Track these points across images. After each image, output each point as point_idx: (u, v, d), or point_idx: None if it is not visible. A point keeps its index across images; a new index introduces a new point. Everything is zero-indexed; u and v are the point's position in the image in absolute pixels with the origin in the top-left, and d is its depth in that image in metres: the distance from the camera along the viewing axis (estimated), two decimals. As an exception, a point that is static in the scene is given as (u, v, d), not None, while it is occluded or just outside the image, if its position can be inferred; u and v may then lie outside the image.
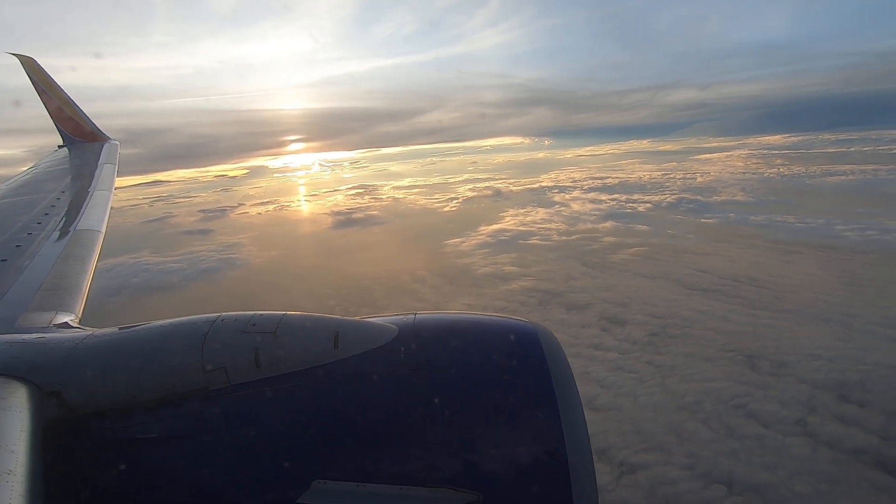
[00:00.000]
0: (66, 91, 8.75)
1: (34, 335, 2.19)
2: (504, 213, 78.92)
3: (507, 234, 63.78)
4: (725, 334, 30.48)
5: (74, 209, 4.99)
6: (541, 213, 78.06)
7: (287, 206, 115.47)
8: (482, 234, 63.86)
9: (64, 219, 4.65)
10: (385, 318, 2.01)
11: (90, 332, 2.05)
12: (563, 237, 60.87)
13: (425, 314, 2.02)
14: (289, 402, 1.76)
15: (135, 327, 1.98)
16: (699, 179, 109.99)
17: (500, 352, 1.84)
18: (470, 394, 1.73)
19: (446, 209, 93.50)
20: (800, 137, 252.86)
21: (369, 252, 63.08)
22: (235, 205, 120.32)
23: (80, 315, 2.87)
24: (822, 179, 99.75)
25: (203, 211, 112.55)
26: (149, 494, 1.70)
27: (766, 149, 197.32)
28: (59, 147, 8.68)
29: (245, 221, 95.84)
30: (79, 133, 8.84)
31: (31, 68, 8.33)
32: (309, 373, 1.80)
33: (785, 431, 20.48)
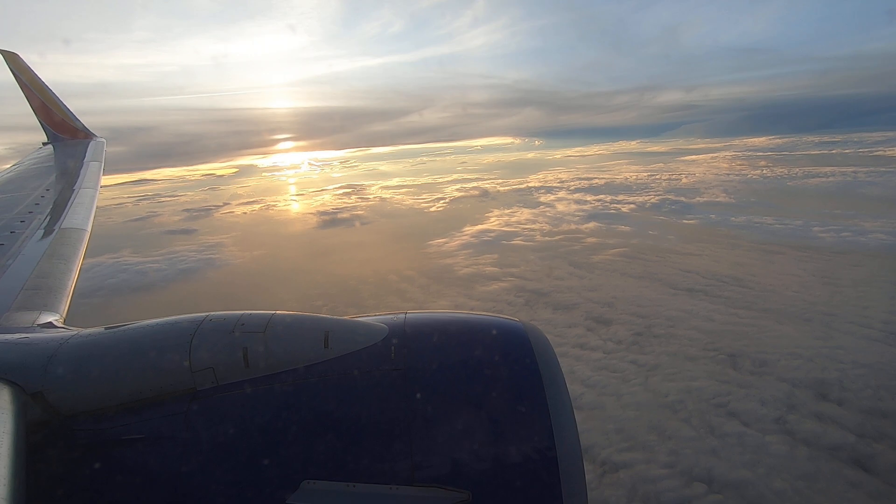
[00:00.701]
0: (50, 87, 8.61)
1: (17, 335, 2.17)
2: (489, 214, 79.35)
3: (491, 234, 64.11)
4: (708, 333, 30.91)
5: (59, 207, 4.95)
6: (525, 213, 78.56)
7: (273, 205, 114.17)
8: (466, 235, 64.14)
9: (49, 217, 4.61)
10: (375, 317, 2.03)
11: (75, 332, 2.03)
12: (546, 238, 61.29)
13: (415, 313, 2.04)
14: (278, 402, 1.75)
15: (121, 327, 1.96)
16: (684, 181, 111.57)
17: (489, 350, 1.86)
18: (460, 393, 1.74)
19: (433, 209, 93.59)
20: (784, 139, 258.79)
21: (352, 252, 62.87)
22: (220, 204, 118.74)
23: (64, 315, 2.85)
24: (804, 181, 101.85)
25: (187, 210, 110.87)
26: (136, 496, 1.68)
27: (751, 150, 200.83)
28: (44, 144, 8.56)
29: (229, 221, 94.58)
30: (64, 130, 8.73)
31: (15, 64, 8.22)
32: (298, 372, 1.80)
33: (764, 430, 20.80)
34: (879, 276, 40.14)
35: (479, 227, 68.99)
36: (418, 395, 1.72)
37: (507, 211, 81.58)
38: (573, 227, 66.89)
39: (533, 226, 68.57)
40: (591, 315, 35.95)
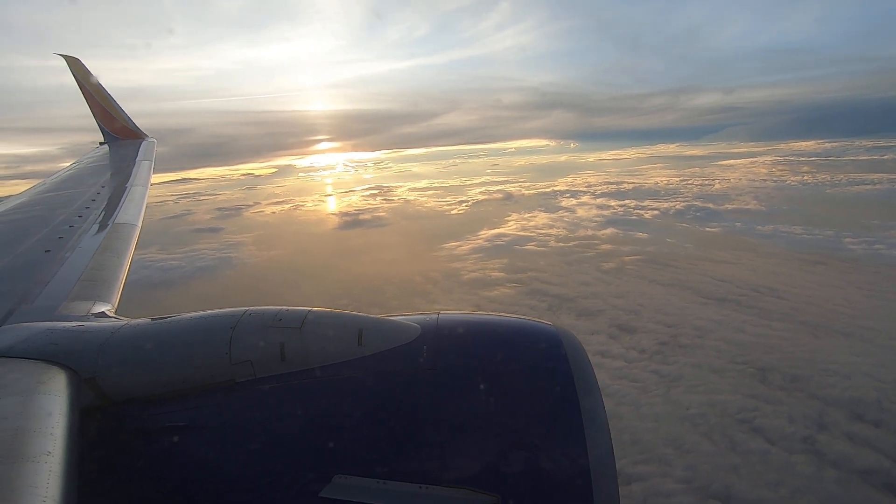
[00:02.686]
0: (108, 91, 9.35)
1: (73, 323, 2.34)
2: (509, 218, 79.64)
3: (506, 238, 64.32)
4: (738, 345, 30.09)
5: (113, 203, 5.33)
6: (544, 218, 78.45)
7: (301, 205, 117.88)
8: (481, 239, 64.60)
9: (103, 212, 4.97)
10: (408, 316, 2.06)
11: (125, 322, 2.17)
12: (560, 243, 61.03)
13: (448, 314, 2.06)
14: (312, 397, 1.82)
15: (167, 319, 2.08)
16: (717, 186, 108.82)
17: (522, 354, 1.88)
18: (491, 395, 1.75)
19: (454, 212, 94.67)
20: (835, 144, 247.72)
21: (363, 254, 64.33)
22: (252, 203, 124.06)
23: (116, 305, 3.01)
24: (846, 188, 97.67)
25: (220, 209, 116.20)
26: (176, 481, 1.78)
27: (796, 155, 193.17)
28: (101, 144, 9.32)
29: (257, 220, 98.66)
30: (119, 131, 9.48)
31: (76, 68, 8.94)
32: (333, 368, 1.86)
33: (790, 448, 20.14)
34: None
35: (496, 230, 69.43)
36: (449, 396, 1.75)
37: (526, 215, 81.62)
38: (590, 232, 66.46)
39: (549, 231, 68.43)
40: (615, 322, 35.56)
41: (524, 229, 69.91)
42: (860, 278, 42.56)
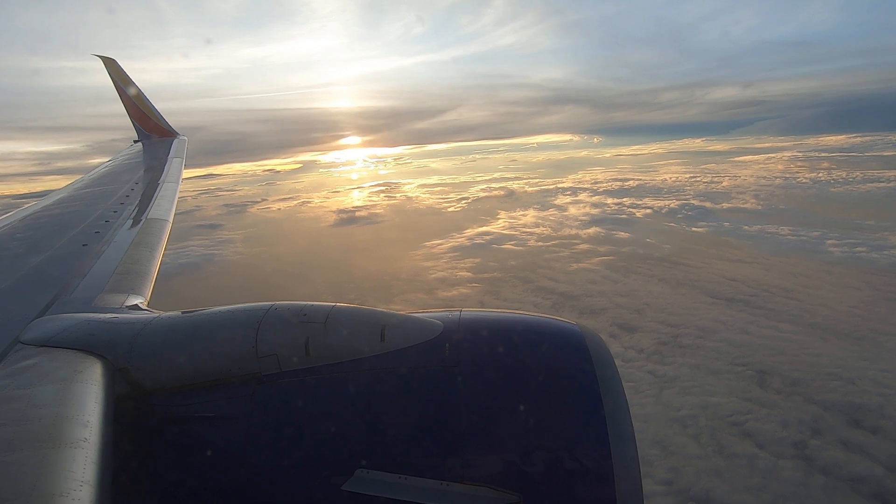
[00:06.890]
0: (142, 90, 9.98)
1: (108, 315, 2.47)
2: (500, 215, 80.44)
3: (488, 237, 64.98)
4: (739, 347, 30.05)
5: (146, 199, 5.65)
6: (533, 216, 79.00)
7: (308, 202, 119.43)
8: (464, 237, 65.33)
9: (137, 208, 5.27)
10: (430, 314, 2.12)
11: (157, 315, 2.30)
12: (540, 242, 61.46)
13: (471, 311, 2.11)
14: (336, 392, 1.88)
15: (196, 312, 2.19)
16: (724, 184, 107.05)
17: (545, 353, 1.92)
18: (513, 394, 1.77)
19: (450, 209, 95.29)
20: (865, 138, 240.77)
21: (343, 252, 65.87)
22: (259, 200, 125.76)
23: (148, 298, 3.18)
24: (855, 187, 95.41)
25: (226, 205, 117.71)
26: (203, 470, 1.87)
27: (819, 150, 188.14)
28: (135, 142, 9.95)
29: (259, 217, 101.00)
30: (152, 129, 10.03)
31: (113, 69, 9.55)
32: (356, 364, 1.92)
33: (779, 453, 20.34)
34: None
35: (482, 229, 70.32)
36: (471, 393, 1.78)
37: (517, 213, 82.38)
38: (574, 232, 66.66)
39: (534, 230, 68.89)
40: (617, 321, 35.70)
41: (510, 228, 70.62)
42: (879, 280, 41.52)
